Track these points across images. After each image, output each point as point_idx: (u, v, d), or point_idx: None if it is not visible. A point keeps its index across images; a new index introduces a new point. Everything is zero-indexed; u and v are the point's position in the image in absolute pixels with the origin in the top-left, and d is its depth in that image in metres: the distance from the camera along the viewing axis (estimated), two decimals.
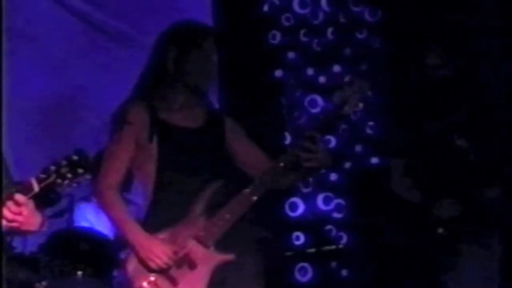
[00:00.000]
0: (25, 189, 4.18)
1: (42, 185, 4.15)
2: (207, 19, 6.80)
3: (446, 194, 5.16)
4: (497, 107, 5.42)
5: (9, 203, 4.17)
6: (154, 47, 4.88)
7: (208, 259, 4.65)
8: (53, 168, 4.14)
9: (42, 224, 4.35)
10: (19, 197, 4.16)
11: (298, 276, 7.68)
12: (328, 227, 7.78)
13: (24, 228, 4.27)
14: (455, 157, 5.19)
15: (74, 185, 4.19)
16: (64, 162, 4.14)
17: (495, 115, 5.34)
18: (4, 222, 4.22)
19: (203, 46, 4.82)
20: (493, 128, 5.26)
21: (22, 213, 4.19)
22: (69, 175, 4.13)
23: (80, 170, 4.15)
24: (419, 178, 5.26)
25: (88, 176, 4.21)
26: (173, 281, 4.64)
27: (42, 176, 4.15)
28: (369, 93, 4.83)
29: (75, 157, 4.15)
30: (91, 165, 4.23)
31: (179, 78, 4.80)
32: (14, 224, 4.22)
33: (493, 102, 5.43)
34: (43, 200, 4.34)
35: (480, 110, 5.27)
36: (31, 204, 4.20)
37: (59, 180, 4.13)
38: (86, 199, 6.21)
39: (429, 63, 5.35)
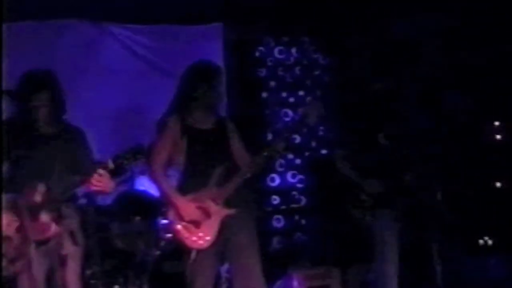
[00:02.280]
0: (104, 166, 4.27)
1: (115, 164, 4.23)
2: (219, 60, 6.72)
3: (372, 175, 5.03)
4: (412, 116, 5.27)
5: (95, 175, 4.22)
6: (183, 79, 4.82)
7: (218, 212, 4.66)
8: (121, 153, 4.23)
9: (113, 188, 4.46)
10: (100, 171, 4.25)
11: (274, 223, 7.63)
12: (294, 193, 7.74)
13: (103, 190, 4.34)
14: (379, 150, 5.05)
15: (134, 164, 4.29)
16: (129, 150, 4.22)
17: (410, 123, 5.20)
18: (91, 187, 4.28)
19: (215, 81, 4.78)
20: (407, 130, 5.12)
21: (102, 181, 4.26)
22: (131, 159, 4.21)
23: (139, 156, 4.23)
24: (354, 163, 5.11)
25: (143, 159, 4.31)
26: (197, 225, 4.64)
27: (115, 158, 4.24)
28: (322, 110, 4.76)
29: (135, 147, 4.24)
30: (146, 152, 4.33)
31: (199, 100, 4.76)
32: (97, 188, 4.29)
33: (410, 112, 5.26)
34: (114, 173, 4.38)
35: (397, 119, 5.12)
36: (107, 175, 4.27)
37: (125, 161, 4.21)
38: (142, 173, 6.09)
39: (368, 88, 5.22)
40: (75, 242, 4.25)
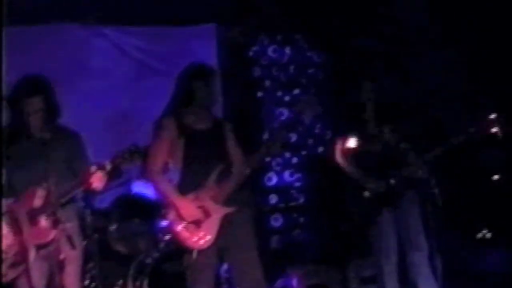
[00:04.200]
0: (102, 167, 4.29)
1: (112, 165, 4.26)
2: (214, 60, 6.72)
3: (375, 174, 5.03)
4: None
5: (93, 176, 4.25)
6: (179, 80, 4.85)
7: (218, 211, 4.69)
8: (119, 154, 4.27)
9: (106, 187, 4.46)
10: (99, 172, 4.28)
11: (273, 222, 7.64)
12: (292, 191, 7.76)
13: (98, 188, 4.35)
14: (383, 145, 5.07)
15: (132, 165, 4.33)
16: (126, 150, 4.26)
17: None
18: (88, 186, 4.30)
19: (210, 81, 4.82)
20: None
21: (102, 181, 4.29)
22: (128, 159, 4.25)
23: (136, 156, 4.27)
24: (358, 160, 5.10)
25: (141, 159, 4.34)
26: (197, 225, 4.66)
27: (113, 159, 4.27)
28: (318, 107, 4.75)
29: (133, 148, 4.28)
30: (143, 153, 4.37)
31: (195, 100, 4.80)
32: (96, 188, 4.33)
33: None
34: (111, 175, 4.41)
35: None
36: (105, 177, 4.31)
37: (123, 162, 4.25)
38: (138, 177, 5.99)
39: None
40: (73, 246, 4.25)
